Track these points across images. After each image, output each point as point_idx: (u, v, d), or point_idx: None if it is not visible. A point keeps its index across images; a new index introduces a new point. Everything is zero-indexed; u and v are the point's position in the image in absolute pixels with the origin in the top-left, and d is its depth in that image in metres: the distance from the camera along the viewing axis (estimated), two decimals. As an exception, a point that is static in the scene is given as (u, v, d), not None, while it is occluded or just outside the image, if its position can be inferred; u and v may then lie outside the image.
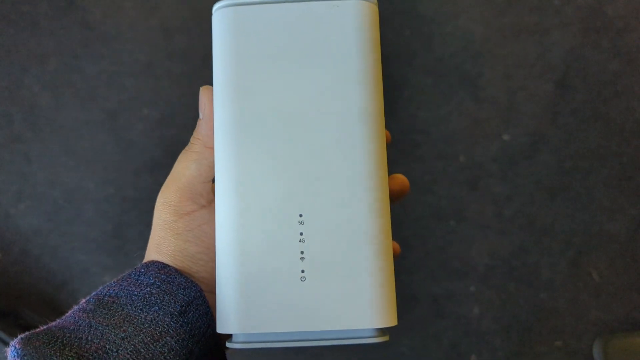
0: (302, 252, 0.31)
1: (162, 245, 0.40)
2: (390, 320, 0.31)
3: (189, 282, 0.37)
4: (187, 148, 0.40)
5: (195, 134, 0.40)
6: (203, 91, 0.39)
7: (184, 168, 0.40)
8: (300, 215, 0.31)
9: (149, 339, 0.34)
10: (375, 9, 0.34)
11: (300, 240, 0.31)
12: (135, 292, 0.37)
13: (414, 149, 1.04)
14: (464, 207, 1.03)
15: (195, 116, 1.00)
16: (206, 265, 0.39)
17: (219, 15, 0.36)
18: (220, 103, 0.35)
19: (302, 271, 0.31)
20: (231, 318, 0.32)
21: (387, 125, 1.07)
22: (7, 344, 0.89)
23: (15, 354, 0.32)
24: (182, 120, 0.99)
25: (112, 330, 0.34)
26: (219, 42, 0.36)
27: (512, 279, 1.02)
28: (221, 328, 0.33)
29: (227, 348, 0.39)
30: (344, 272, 0.31)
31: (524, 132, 1.04)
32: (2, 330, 0.90)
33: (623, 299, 1.01)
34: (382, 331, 0.32)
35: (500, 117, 1.04)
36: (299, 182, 0.32)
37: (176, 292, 0.36)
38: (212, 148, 0.39)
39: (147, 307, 0.36)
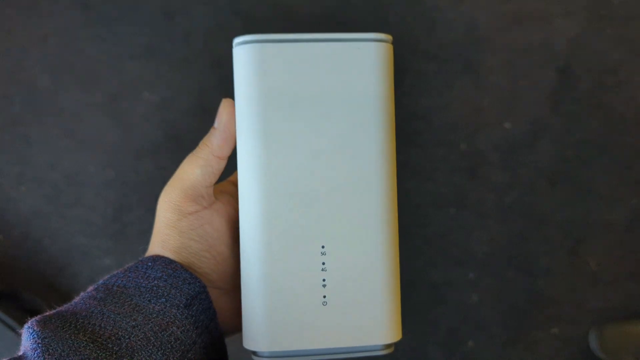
0: (323, 280, 0.34)
1: (167, 242, 0.42)
2: (397, 335, 0.35)
3: (193, 278, 0.39)
4: (195, 152, 0.42)
5: (205, 140, 0.42)
6: (224, 104, 0.41)
7: (189, 172, 0.42)
8: (323, 247, 0.34)
9: (157, 328, 0.36)
10: (391, 48, 0.35)
11: (322, 270, 0.34)
12: (143, 284, 0.38)
13: (414, 136, 1.04)
14: (464, 195, 1.03)
15: (197, 101, 0.99)
16: (208, 262, 0.41)
17: (241, 51, 0.38)
18: (244, 140, 0.37)
19: (324, 296, 0.34)
20: (259, 337, 0.35)
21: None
22: (8, 327, 0.90)
23: (35, 335, 0.33)
24: (183, 104, 0.98)
25: (124, 319, 0.36)
26: (242, 79, 0.38)
27: (511, 266, 1.02)
28: (248, 344, 0.35)
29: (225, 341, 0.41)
30: (360, 297, 0.34)
31: (526, 120, 1.04)
32: (3, 312, 0.91)
33: (620, 287, 1.02)
34: (390, 345, 0.36)
35: (502, 105, 1.04)
36: (321, 217, 0.35)
37: (182, 286, 0.39)
38: (220, 157, 0.42)
39: (154, 298, 0.38)
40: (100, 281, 0.39)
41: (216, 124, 0.42)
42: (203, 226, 0.40)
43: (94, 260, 0.98)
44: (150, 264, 0.40)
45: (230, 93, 1.04)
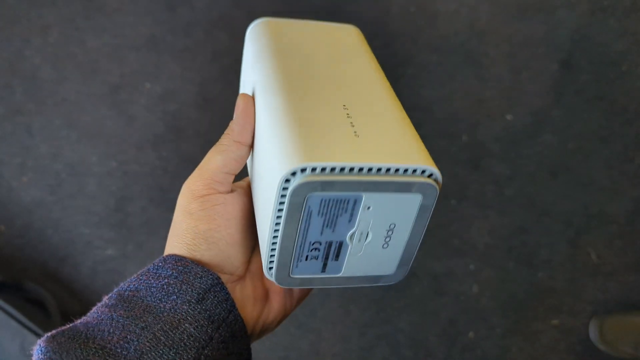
0: (351, 124, 0.38)
1: (175, 227, 0.41)
2: (428, 161, 0.37)
3: (205, 271, 0.39)
4: (217, 143, 0.42)
5: (227, 130, 0.42)
6: (241, 97, 0.43)
7: (210, 159, 0.42)
8: (344, 106, 0.39)
9: (167, 326, 0.35)
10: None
11: (348, 116, 0.38)
12: (154, 284, 0.38)
13: (416, 128, 1.04)
14: (466, 186, 1.03)
15: (198, 92, 0.99)
16: (219, 241, 0.40)
17: (255, 28, 0.46)
18: (264, 88, 0.42)
19: (355, 132, 0.37)
20: (299, 152, 0.34)
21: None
22: (11, 316, 0.90)
23: (40, 352, 0.33)
24: (184, 95, 0.98)
25: (133, 322, 0.35)
26: (258, 44, 0.45)
27: (511, 258, 1.03)
28: (289, 165, 0.34)
29: (250, 338, 0.41)
30: (385, 134, 0.38)
31: (528, 112, 1.04)
32: (6, 302, 0.91)
33: (620, 279, 1.02)
34: (431, 175, 0.39)
35: (504, 96, 1.04)
36: (339, 89, 0.41)
37: (193, 281, 0.38)
38: (240, 142, 0.42)
39: (165, 296, 0.37)
40: (115, 289, 0.39)
41: (235, 113, 0.42)
42: (215, 207, 0.40)
43: (96, 250, 0.98)
44: (160, 264, 0.39)
45: (232, 85, 1.03)
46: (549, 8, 1.04)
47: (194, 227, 0.40)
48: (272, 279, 0.38)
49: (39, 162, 0.98)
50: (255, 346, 1.02)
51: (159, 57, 1.01)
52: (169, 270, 0.39)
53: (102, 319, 0.36)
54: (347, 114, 0.39)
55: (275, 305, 0.44)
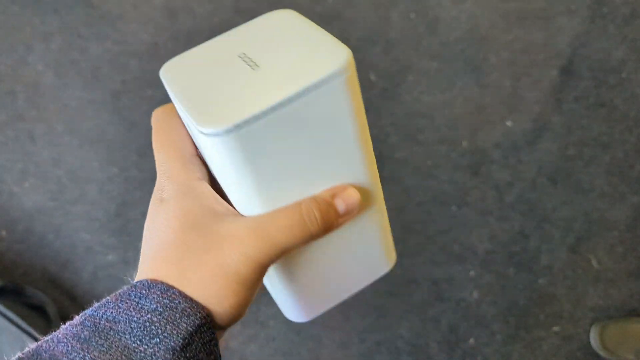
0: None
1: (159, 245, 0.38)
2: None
3: (193, 308, 0.35)
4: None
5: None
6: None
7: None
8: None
9: None
10: (352, 76, 0.35)
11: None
12: (135, 318, 0.34)
13: (416, 133, 1.04)
14: (466, 192, 1.03)
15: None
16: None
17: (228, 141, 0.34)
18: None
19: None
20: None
21: (391, 108, 1.07)
22: (11, 321, 0.91)
23: None
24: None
25: None
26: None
27: (512, 264, 1.02)
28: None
29: None
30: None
31: (528, 118, 1.04)
32: (7, 307, 0.91)
33: (621, 285, 1.02)
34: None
35: (504, 103, 1.04)
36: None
37: (179, 320, 0.34)
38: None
39: (147, 338, 0.34)
40: (89, 311, 0.34)
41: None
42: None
43: (97, 255, 0.99)
44: (144, 292, 0.35)
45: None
46: (548, 15, 1.05)
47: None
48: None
49: (40, 168, 0.99)
50: (255, 352, 1.02)
51: (160, 64, 1.01)
52: (152, 303, 0.35)
53: (73, 359, 0.32)
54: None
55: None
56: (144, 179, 0.98)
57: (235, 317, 0.36)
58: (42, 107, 0.99)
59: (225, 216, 0.36)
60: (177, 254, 0.36)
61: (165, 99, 1.06)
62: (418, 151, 1.04)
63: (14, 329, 0.91)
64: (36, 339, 0.95)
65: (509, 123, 1.04)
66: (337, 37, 0.34)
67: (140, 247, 0.39)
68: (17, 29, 1.00)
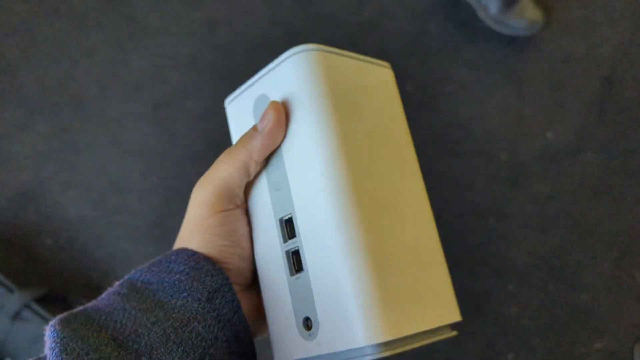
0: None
1: (192, 237, 0.41)
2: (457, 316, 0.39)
3: (216, 270, 0.39)
4: (231, 151, 0.40)
5: (244, 141, 0.40)
6: (272, 106, 0.39)
7: (224, 171, 0.40)
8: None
9: (177, 323, 0.36)
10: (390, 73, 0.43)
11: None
12: (166, 279, 0.38)
13: (454, 145, 1.03)
14: (504, 205, 1.02)
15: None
16: (232, 257, 0.40)
17: (300, 58, 0.39)
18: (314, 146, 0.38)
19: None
20: (378, 324, 0.33)
21: (429, 119, 1.06)
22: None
23: (55, 334, 0.33)
24: (224, 114, 1.00)
25: (144, 315, 0.36)
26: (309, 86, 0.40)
27: (552, 278, 1.00)
28: (368, 338, 0.32)
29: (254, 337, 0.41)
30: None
31: (569, 130, 1.02)
32: (51, 313, 0.94)
33: (667, 302, 0.99)
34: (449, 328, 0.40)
35: (544, 114, 1.02)
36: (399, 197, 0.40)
37: (204, 279, 0.38)
38: (257, 162, 0.40)
39: (176, 293, 0.38)
40: (126, 276, 0.39)
41: (260, 126, 0.40)
42: (232, 223, 0.40)
43: (136, 265, 1.00)
44: (173, 257, 0.39)
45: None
46: (590, 24, 1.03)
47: (212, 241, 0.40)
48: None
49: (83, 178, 1.01)
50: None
51: (199, 76, 1.03)
52: (180, 265, 0.39)
53: (115, 308, 0.36)
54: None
55: None
56: (183, 189, 1.00)
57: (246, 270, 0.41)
58: (86, 119, 1.01)
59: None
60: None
61: (204, 112, 1.07)
62: (455, 163, 1.03)
63: (57, 335, 0.93)
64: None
65: (549, 134, 1.02)
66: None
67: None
68: (64, 44, 1.03)
